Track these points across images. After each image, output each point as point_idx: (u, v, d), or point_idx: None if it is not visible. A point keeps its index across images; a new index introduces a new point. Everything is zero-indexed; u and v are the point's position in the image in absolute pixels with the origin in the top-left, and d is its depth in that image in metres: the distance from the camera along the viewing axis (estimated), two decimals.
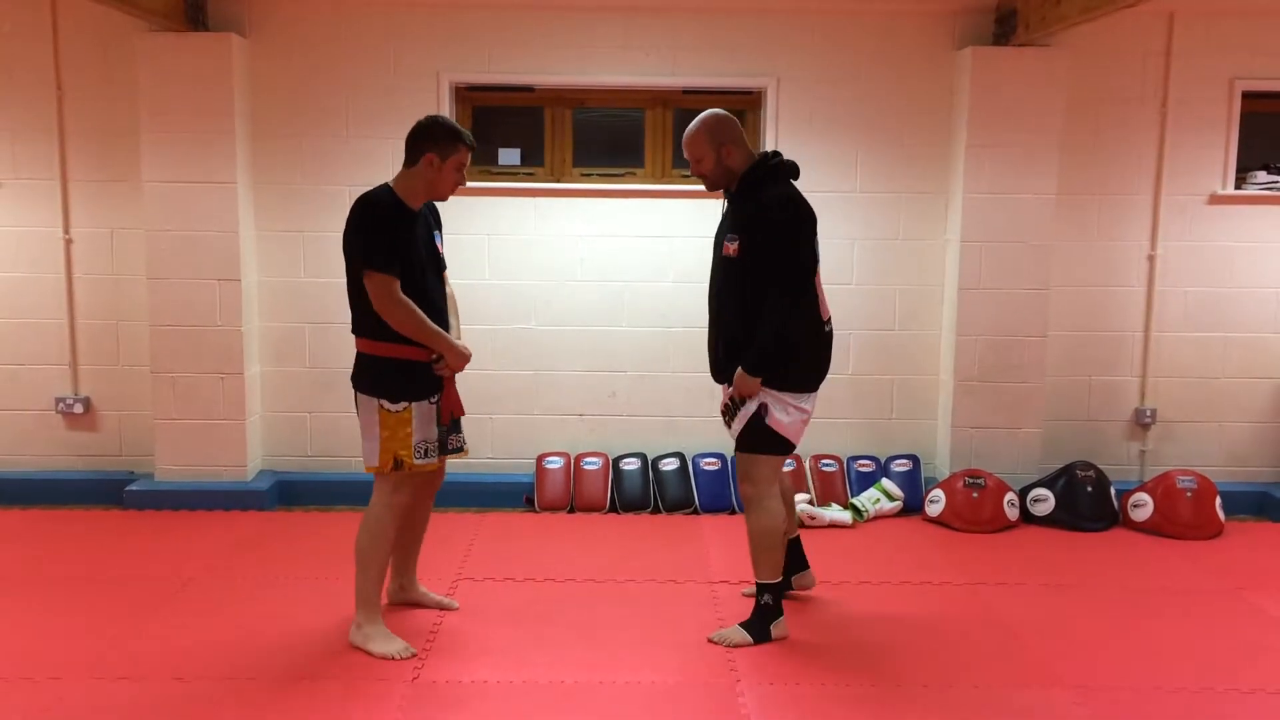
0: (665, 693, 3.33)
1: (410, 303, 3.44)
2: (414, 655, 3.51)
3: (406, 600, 3.99)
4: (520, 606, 4.03)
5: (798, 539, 4.11)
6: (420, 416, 3.53)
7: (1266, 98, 5.56)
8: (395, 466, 3.53)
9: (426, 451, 3.57)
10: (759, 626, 3.69)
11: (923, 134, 5.48)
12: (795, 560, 4.05)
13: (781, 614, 3.73)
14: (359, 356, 3.58)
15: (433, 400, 3.57)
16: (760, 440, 3.66)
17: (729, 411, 3.70)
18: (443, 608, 3.98)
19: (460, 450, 3.79)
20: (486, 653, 3.60)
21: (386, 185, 3.54)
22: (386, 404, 3.50)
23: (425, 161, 3.50)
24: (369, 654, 3.52)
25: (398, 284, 3.41)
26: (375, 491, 3.61)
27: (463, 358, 3.57)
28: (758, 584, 3.73)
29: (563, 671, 3.46)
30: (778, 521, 3.68)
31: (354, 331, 3.58)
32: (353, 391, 3.61)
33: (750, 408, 3.62)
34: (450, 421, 3.68)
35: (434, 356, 3.54)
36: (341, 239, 3.51)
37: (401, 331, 3.45)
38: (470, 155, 3.59)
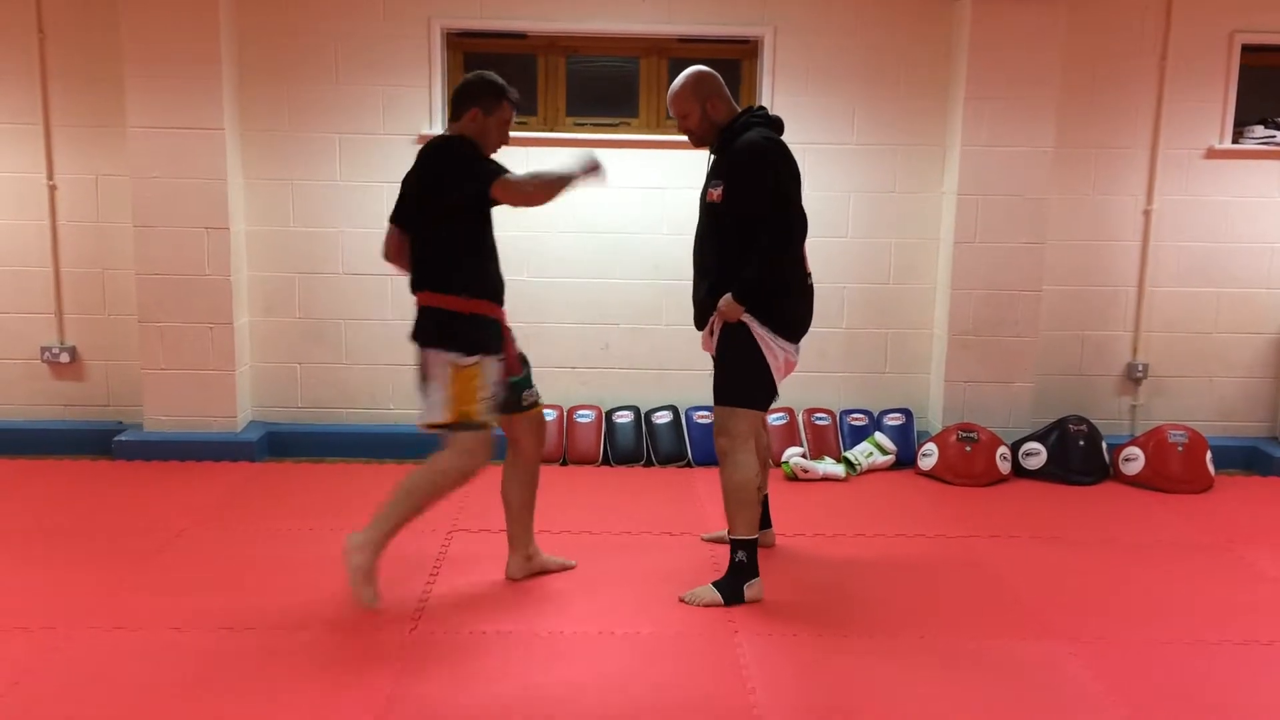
0: (664, 643, 3.33)
1: (528, 178, 3.40)
2: (375, 608, 3.43)
3: (534, 571, 3.86)
4: None
5: (765, 498, 4.11)
6: (489, 371, 3.46)
7: (1265, 51, 5.52)
8: (463, 424, 3.43)
9: (490, 408, 3.50)
10: (732, 586, 3.64)
11: (921, 85, 5.43)
12: (760, 517, 4.03)
13: (757, 574, 3.67)
14: (425, 311, 3.47)
15: (500, 357, 3.52)
16: (739, 393, 3.66)
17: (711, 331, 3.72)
18: (565, 568, 3.94)
19: (536, 404, 3.77)
20: (483, 604, 3.59)
21: (459, 134, 3.52)
22: (462, 358, 3.41)
23: (469, 117, 3.50)
24: (347, 567, 3.42)
25: (513, 175, 3.39)
26: (450, 448, 3.47)
27: (595, 163, 3.51)
28: (732, 541, 3.68)
29: (561, 622, 3.46)
30: (751, 475, 3.64)
31: (418, 287, 3.49)
32: (417, 349, 3.49)
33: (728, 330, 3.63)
34: (522, 374, 3.67)
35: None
36: (415, 186, 3.47)
37: (551, 196, 3.43)
38: (514, 111, 3.57)
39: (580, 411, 5.46)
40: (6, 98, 5.31)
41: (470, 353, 3.42)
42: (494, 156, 3.53)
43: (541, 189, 3.41)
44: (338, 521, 4.37)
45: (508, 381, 3.61)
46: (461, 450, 3.47)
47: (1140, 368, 5.67)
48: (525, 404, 3.72)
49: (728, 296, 3.58)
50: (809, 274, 3.73)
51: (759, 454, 3.85)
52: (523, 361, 3.73)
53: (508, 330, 3.62)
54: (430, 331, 3.47)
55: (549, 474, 5.13)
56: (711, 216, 3.66)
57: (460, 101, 3.53)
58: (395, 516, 3.47)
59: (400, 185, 3.58)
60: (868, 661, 3.25)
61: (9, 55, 5.27)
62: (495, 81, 3.53)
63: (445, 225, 3.43)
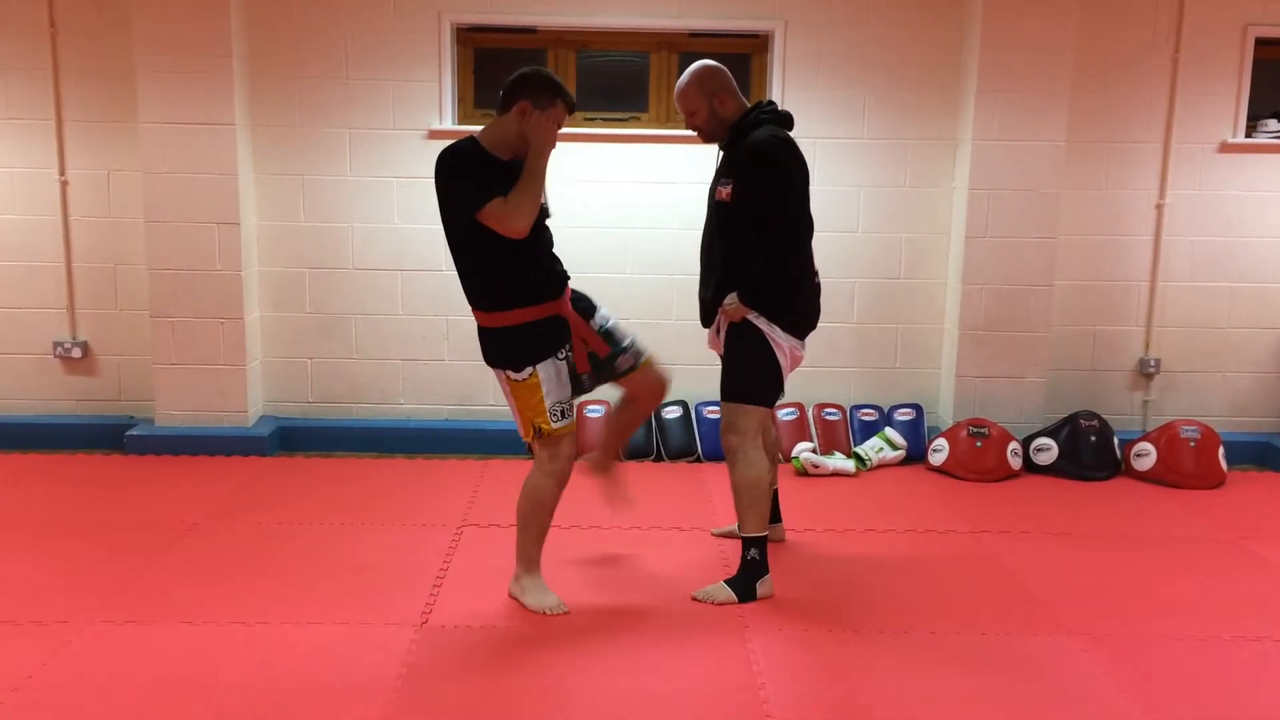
0: (673, 638, 3.33)
1: (511, 199, 3.22)
2: (566, 612, 3.47)
3: (600, 472, 3.94)
4: None
5: (775, 493, 4.10)
6: (549, 378, 3.37)
7: (1278, 44, 5.47)
8: (537, 435, 3.41)
9: (563, 413, 3.41)
10: (744, 584, 3.63)
11: (932, 79, 5.40)
12: (770, 511, 4.02)
13: (767, 571, 3.66)
14: (480, 331, 3.45)
15: (560, 356, 3.42)
16: (747, 390, 3.65)
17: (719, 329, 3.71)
18: (623, 501, 3.99)
19: (637, 365, 3.63)
20: (494, 597, 3.59)
21: (470, 137, 3.36)
22: (512, 374, 3.37)
23: (518, 110, 3.32)
24: (524, 606, 3.49)
25: (501, 199, 3.21)
26: (535, 459, 3.48)
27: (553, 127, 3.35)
28: (744, 538, 3.67)
29: (571, 617, 3.46)
30: (762, 472, 3.64)
31: (470, 304, 3.45)
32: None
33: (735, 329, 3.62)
34: (604, 357, 3.55)
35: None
36: (440, 209, 3.36)
37: (536, 205, 3.28)
38: (568, 115, 3.42)
39: (590, 407, 5.45)
40: (18, 93, 5.33)
41: (520, 367, 3.37)
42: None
43: (525, 203, 3.24)
44: (349, 516, 4.39)
45: (588, 373, 3.53)
46: (545, 462, 3.46)
47: (1152, 363, 5.64)
48: (623, 369, 3.60)
49: (733, 296, 3.58)
50: (816, 273, 3.72)
51: (766, 449, 3.84)
52: (604, 334, 3.57)
53: (572, 315, 3.47)
54: (486, 350, 3.47)
55: None
56: (720, 214, 3.65)
57: (512, 93, 3.35)
58: (527, 543, 3.53)
59: None
60: (878, 657, 3.24)
61: (21, 50, 5.29)
62: (553, 79, 3.39)
63: (459, 241, 3.35)
